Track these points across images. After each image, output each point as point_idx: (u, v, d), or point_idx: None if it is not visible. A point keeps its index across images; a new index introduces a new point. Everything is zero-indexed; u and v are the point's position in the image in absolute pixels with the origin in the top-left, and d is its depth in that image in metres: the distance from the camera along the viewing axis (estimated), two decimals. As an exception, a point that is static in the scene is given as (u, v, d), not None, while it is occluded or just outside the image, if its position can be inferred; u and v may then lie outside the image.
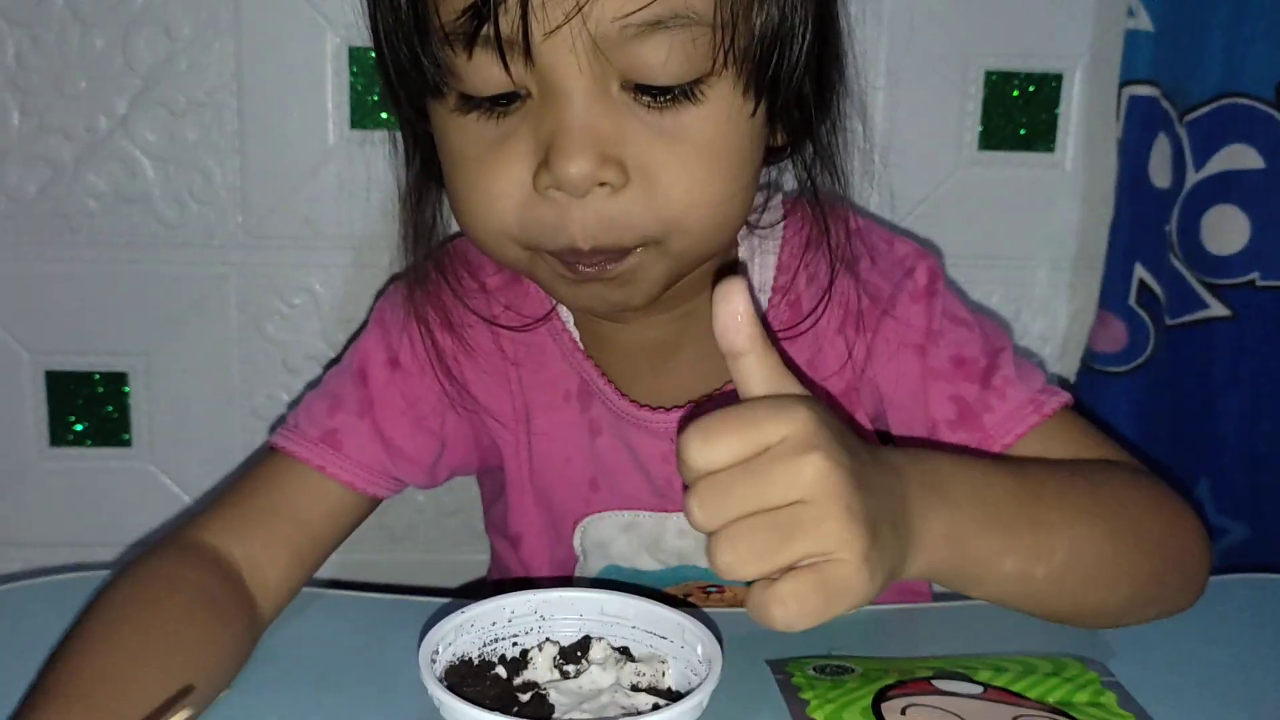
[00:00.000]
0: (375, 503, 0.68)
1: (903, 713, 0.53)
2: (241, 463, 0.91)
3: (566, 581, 0.71)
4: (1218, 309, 0.87)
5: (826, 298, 0.64)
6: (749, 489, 0.42)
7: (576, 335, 0.68)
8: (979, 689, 0.55)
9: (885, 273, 0.67)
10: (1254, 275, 0.86)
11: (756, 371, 0.46)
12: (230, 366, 0.90)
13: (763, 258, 0.67)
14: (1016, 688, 0.55)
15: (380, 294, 0.74)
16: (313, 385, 0.72)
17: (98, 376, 0.90)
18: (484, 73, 0.54)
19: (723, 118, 0.55)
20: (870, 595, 0.44)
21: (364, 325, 0.72)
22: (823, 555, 0.43)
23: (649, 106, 0.54)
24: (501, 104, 0.55)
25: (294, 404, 0.71)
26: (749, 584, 0.44)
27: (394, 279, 0.74)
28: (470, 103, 0.55)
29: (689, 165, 0.55)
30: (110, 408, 0.91)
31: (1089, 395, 0.90)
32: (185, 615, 0.56)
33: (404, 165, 0.66)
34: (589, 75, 0.53)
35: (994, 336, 0.67)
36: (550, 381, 0.68)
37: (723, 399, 0.66)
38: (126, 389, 0.90)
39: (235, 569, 0.60)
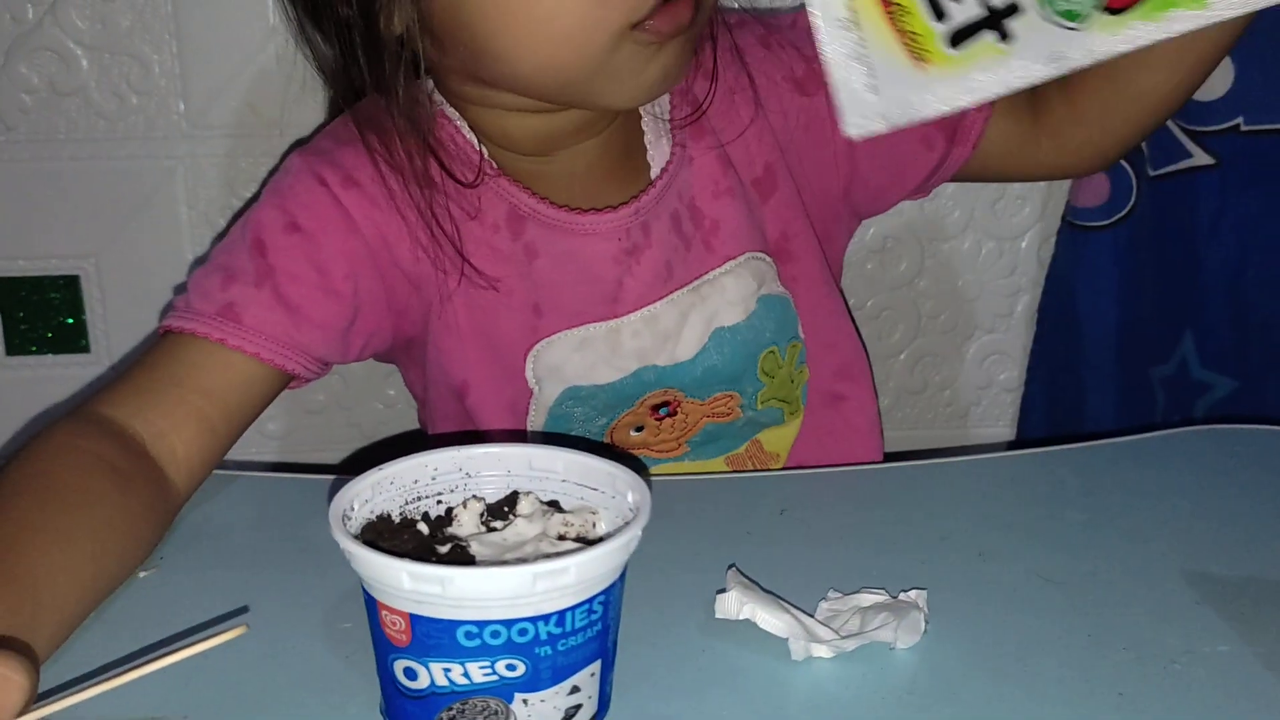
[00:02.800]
0: (286, 379, 0.65)
1: None
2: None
3: (520, 434, 0.69)
4: (1201, 157, 0.84)
5: (713, 83, 0.69)
6: None
7: (495, 165, 0.67)
8: None
9: (794, 41, 0.71)
10: (1238, 120, 0.82)
11: None
12: (184, 264, 0.88)
13: None
14: None
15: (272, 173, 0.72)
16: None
17: (49, 281, 0.88)
18: None
19: None
20: None
21: (249, 201, 0.70)
22: None
23: None
24: None
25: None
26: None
27: (289, 151, 0.71)
28: None
29: None
30: (65, 314, 0.89)
31: (1071, 251, 0.87)
32: (80, 480, 0.54)
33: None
34: None
35: None
36: (473, 215, 0.66)
37: (656, 194, 0.68)
38: (80, 293, 0.88)
39: (136, 438, 0.58)
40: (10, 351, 0.89)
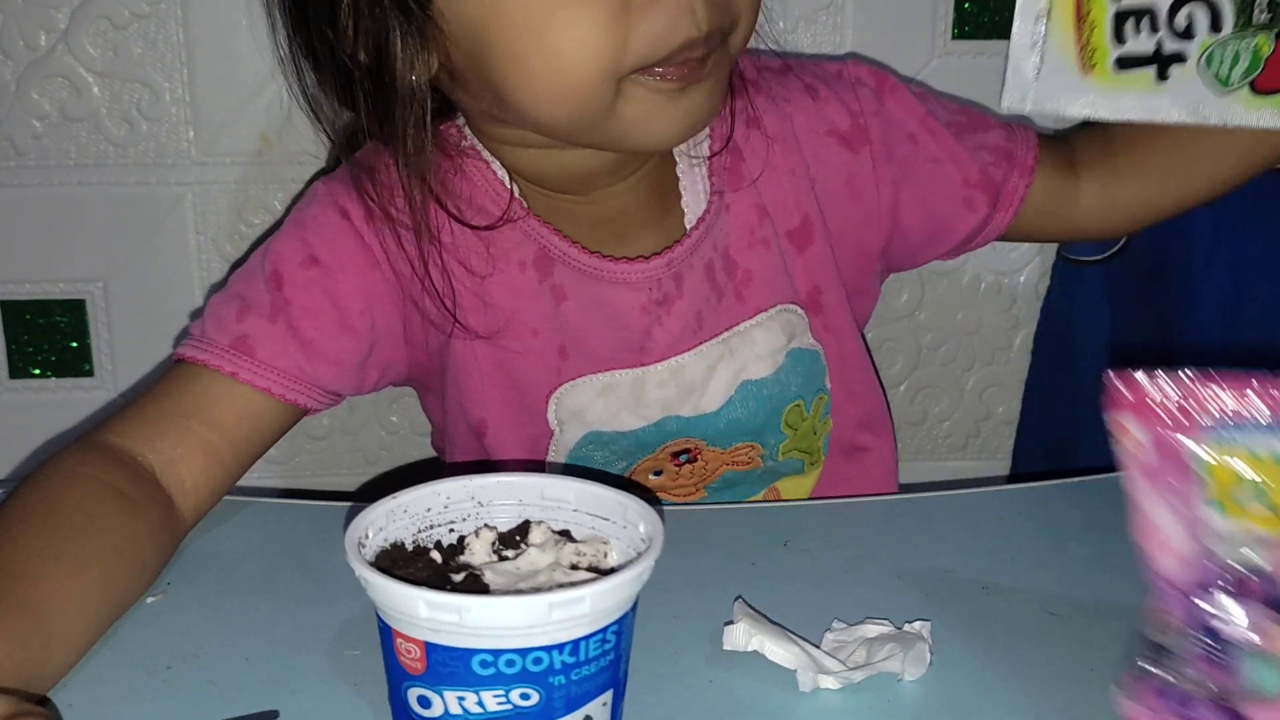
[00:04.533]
0: (298, 413, 0.65)
1: None
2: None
3: (539, 465, 0.69)
4: (1197, 194, 0.85)
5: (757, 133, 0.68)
6: None
7: (525, 204, 0.67)
8: None
9: (839, 94, 0.71)
10: (1234, 158, 0.83)
11: None
12: (191, 290, 0.89)
13: None
14: None
15: (296, 199, 0.72)
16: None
17: (55, 304, 0.88)
18: None
19: None
20: None
21: (271, 229, 0.70)
22: None
23: None
24: None
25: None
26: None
27: (312, 180, 0.72)
28: None
29: None
30: (69, 337, 0.89)
31: (1066, 285, 0.88)
32: (89, 507, 0.54)
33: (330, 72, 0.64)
34: None
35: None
36: (501, 255, 0.66)
37: (691, 244, 0.68)
38: (86, 317, 0.88)
39: (145, 466, 0.59)
40: (13, 374, 0.89)
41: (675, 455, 0.70)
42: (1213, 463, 0.39)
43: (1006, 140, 0.73)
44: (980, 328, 0.94)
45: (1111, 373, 0.42)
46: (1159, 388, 0.40)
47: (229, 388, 0.62)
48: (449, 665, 0.41)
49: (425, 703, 0.42)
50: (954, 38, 0.87)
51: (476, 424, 0.69)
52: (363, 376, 0.67)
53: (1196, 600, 0.39)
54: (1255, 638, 0.38)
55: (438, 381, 0.71)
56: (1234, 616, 0.38)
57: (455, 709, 0.41)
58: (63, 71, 0.83)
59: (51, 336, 0.89)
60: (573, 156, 0.64)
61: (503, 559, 0.46)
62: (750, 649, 0.50)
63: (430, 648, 0.41)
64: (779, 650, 0.50)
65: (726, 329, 0.69)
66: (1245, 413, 0.39)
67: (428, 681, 0.41)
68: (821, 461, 0.75)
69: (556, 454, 0.69)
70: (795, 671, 0.49)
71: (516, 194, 0.66)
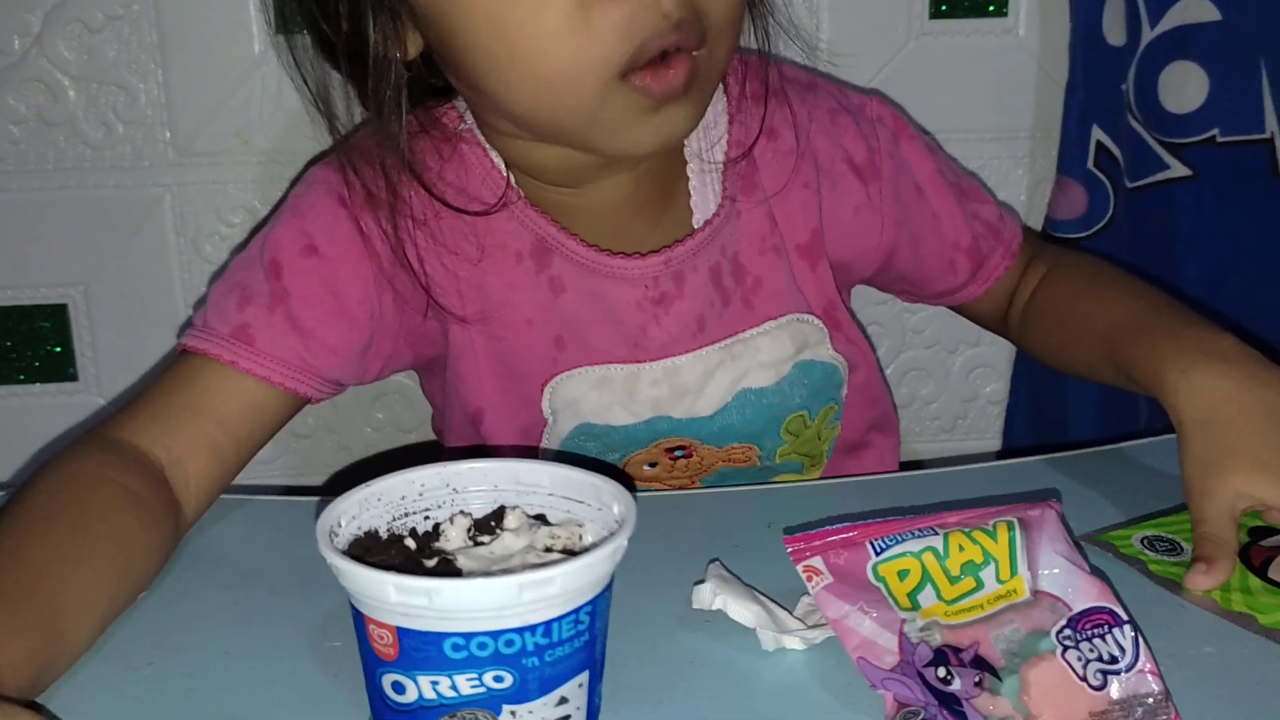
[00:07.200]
0: (300, 402, 0.65)
1: None
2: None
3: (533, 452, 0.69)
4: (1178, 169, 0.85)
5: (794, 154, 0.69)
6: None
7: (521, 193, 0.66)
8: None
9: (859, 126, 0.71)
10: (1214, 132, 0.83)
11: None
12: (173, 291, 0.88)
13: (714, 117, 0.68)
14: None
15: (294, 182, 0.72)
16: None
17: (36, 310, 0.88)
18: None
19: None
20: None
21: (271, 212, 0.70)
22: None
23: None
24: None
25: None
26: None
27: (310, 164, 0.72)
28: None
29: None
30: (52, 342, 0.89)
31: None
32: (112, 514, 0.54)
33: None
34: None
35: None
36: (497, 244, 0.66)
37: (694, 245, 0.67)
38: (68, 322, 0.88)
39: (158, 467, 0.59)
40: (-2, 382, 0.89)
41: (669, 450, 0.70)
42: (884, 574, 0.48)
43: (999, 219, 0.75)
44: (966, 308, 0.93)
45: (786, 539, 0.50)
46: (825, 537, 0.49)
47: (231, 378, 0.62)
48: (421, 650, 0.41)
49: (399, 688, 0.42)
50: (931, 17, 0.87)
51: (473, 412, 0.69)
52: (364, 365, 0.67)
53: (911, 681, 0.46)
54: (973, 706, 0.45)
55: (440, 369, 0.71)
56: (951, 684, 0.46)
57: (429, 693, 0.41)
58: (38, 75, 0.83)
59: (34, 342, 0.88)
60: (563, 151, 0.63)
61: (478, 544, 0.46)
62: (715, 608, 0.50)
63: (402, 633, 0.41)
64: (741, 609, 0.50)
65: (730, 335, 0.68)
66: (888, 536, 0.49)
67: (401, 667, 0.41)
68: (824, 463, 0.74)
69: (549, 444, 0.69)
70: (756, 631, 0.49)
71: (512, 182, 0.66)
